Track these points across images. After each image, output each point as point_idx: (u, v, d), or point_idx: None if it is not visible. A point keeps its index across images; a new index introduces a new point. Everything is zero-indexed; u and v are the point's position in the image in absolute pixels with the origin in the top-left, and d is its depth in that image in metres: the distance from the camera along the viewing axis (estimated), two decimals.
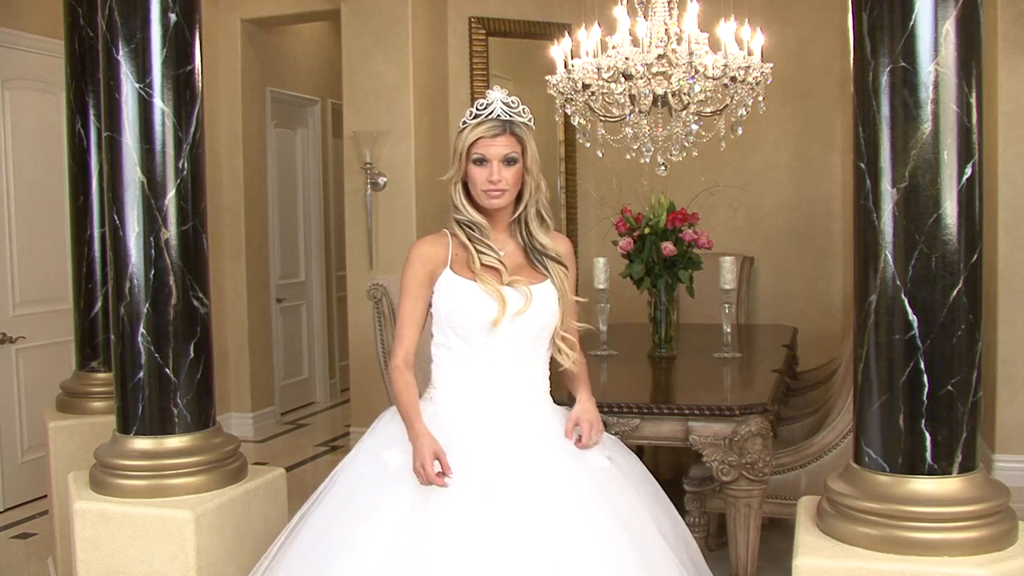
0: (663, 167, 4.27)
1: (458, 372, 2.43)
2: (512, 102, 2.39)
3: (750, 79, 3.99)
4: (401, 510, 2.20)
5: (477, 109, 2.38)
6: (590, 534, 2.18)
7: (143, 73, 2.76)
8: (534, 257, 2.46)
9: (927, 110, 2.08)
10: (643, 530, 2.31)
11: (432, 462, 2.22)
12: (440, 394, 2.46)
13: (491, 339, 2.38)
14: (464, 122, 2.40)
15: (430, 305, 2.44)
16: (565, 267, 2.49)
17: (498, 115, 2.36)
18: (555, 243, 2.50)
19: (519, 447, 2.32)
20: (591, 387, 2.60)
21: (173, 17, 2.78)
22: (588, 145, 4.37)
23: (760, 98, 4.10)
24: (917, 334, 2.11)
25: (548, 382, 2.52)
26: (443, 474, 2.22)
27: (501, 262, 2.39)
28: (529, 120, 2.41)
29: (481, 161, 2.37)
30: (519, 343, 2.40)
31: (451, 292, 2.38)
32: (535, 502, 2.20)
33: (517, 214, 2.46)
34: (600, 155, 4.40)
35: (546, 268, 2.45)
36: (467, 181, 2.41)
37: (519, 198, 2.44)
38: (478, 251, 2.39)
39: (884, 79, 2.11)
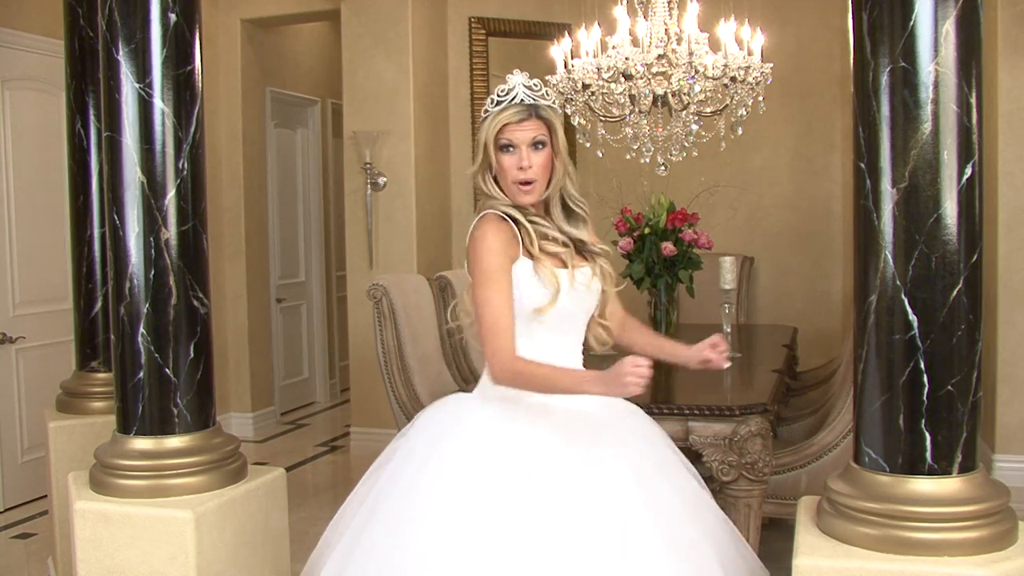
0: (663, 167, 4.27)
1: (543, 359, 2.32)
2: (534, 85, 2.30)
3: (750, 79, 3.99)
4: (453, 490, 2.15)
5: (498, 96, 2.29)
6: (647, 519, 2.17)
7: (143, 73, 2.76)
8: (578, 242, 2.39)
9: (927, 110, 2.08)
10: (709, 507, 2.36)
11: (630, 365, 2.14)
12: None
13: (559, 325, 2.32)
14: (486, 111, 2.31)
15: None
16: (601, 246, 2.44)
17: (522, 99, 2.28)
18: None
19: (587, 433, 2.28)
20: None
21: (173, 17, 2.78)
22: (588, 145, 4.38)
23: (760, 98, 4.10)
24: (917, 334, 2.11)
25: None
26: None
27: (565, 244, 2.31)
28: (553, 103, 2.33)
29: (508, 147, 2.27)
30: (578, 327, 2.39)
31: (535, 279, 2.27)
32: (607, 484, 2.18)
33: (543, 196, 2.34)
34: (600, 155, 4.40)
35: (589, 252, 2.40)
36: (495, 173, 2.31)
37: (549, 183, 2.34)
38: (539, 234, 2.29)
39: (884, 79, 2.11)
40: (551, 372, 2.24)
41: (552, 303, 2.27)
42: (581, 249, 2.38)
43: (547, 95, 2.31)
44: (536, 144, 2.27)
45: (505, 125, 2.26)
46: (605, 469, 2.20)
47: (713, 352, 2.38)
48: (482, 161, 2.31)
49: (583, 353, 2.45)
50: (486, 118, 2.30)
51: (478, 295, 2.27)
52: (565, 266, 2.30)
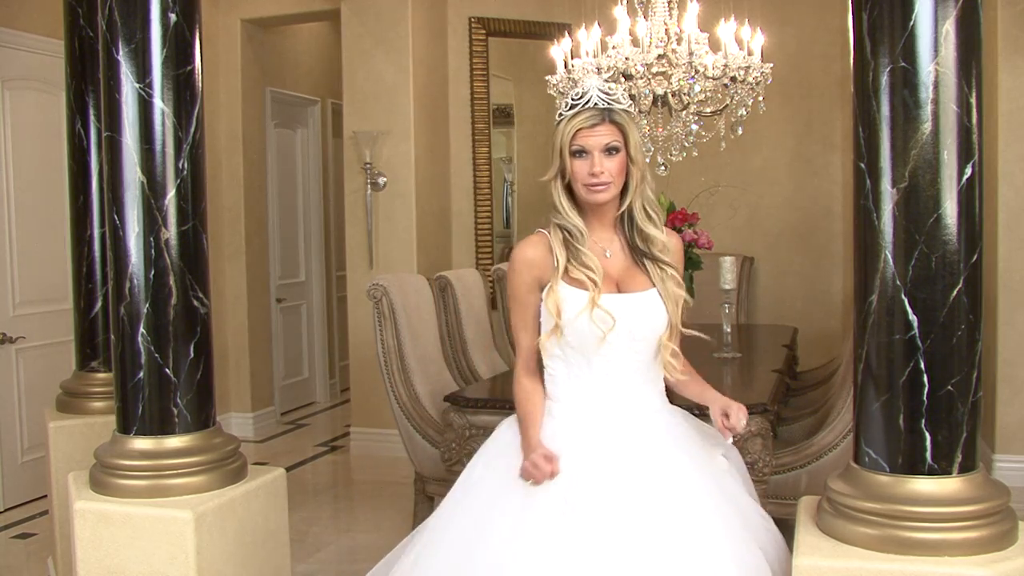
0: (663, 167, 4.27)
1: (574, 385, 2.32)
2: (610, 89, 2.25)
3: (750, 79, 4.00)
4: (546, 526, 2.15)
5: (573, 99, 2.25)
6: (718, 531, 2.16)
7: (143, 73, 2.76)
8: (639, 259, 2.33)
9: (927, 110, 2.08)
10: (758, 527, 2.30)
11: (543, 458, 2.17)
12: (558, 407, 2.35)
13: (605, 351, 2.27)
14: (560, 115, 2.27)
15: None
16: (674, 267, 2.35)
17: (595, 103, 2.23)
18: (668, 238, 2.36)
19: (640, 459, 2.23)
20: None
21: (173, 17, 2.78)
22: None
23: (760, 98, 4.10)
24: (917, 334, 2.11)
25: (664, 389, 2.43)
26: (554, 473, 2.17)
27: (596, 274, 2.25)
28: (629, 106, 2.28)
29: (581, 153, 2.23)
30: (636, 353, 2.30)
31: (559, 301, 2.26)
32: (659, 509, 2.15)
33: (622, 209, 2.30)
34: None
35: (652, 272, 2.32)
36: (569, 178, 2.27)
37: (624, 192, 2.29)
38: (573, 259, 2.26)
39: (884, 79, 2.11)
40: (521, 414, 2.34)
41: (552, 332, 2.27)
42: (643, 266, 2.32)
43: (623, 98, 2.27)
44: (609, 150, 2.23)
45: (578, 130, 2.23)
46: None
47: (725, 422, 2.34)
48: (557, 167, 2.27)
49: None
50: (560, 122, 2.26)
51: (509, 314, 2.38)
52: (595, 288, 2.26)
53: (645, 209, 2.31)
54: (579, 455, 2.24)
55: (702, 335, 2.46)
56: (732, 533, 2.18)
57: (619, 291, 2.30)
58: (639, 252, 2.32)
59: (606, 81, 2.26)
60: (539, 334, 2.33)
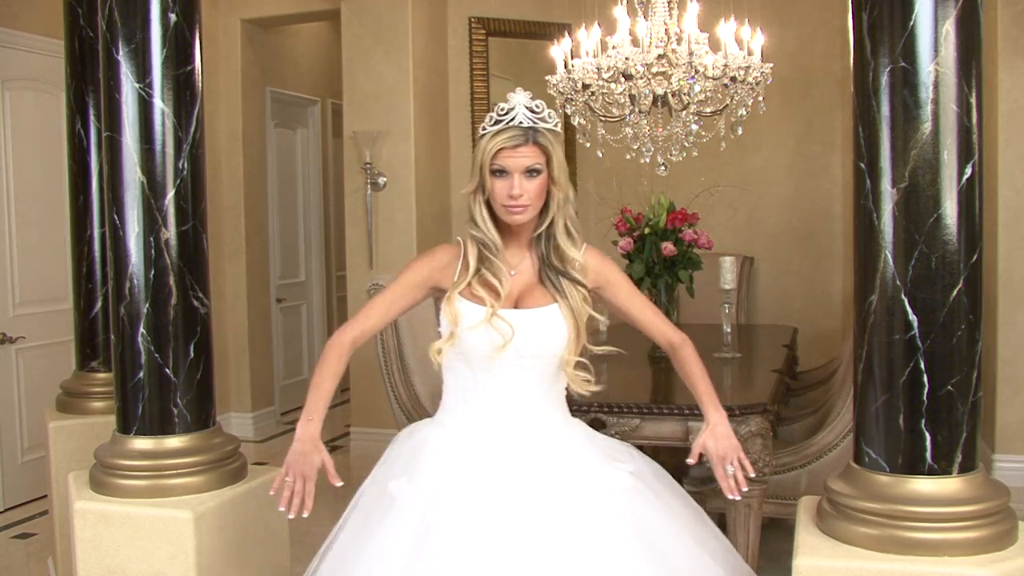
0: (663, 167, 4.27)
1: (465, 397, 2.29)
2: (536, 106, 2.20)
3: (750, 79, 3.99)
4: (404, 547, 2.10)
5: (498, 114, 2.19)
6: (599, 552, 2.09)
7: (143, 73, 2.76)
8: (549, 276, 2.27)
9: (927, 110, 2.08)
10: (671, 546, 2.20)
11: (300, 455, 2.13)
12: (449, 419, 2.32)
13: (495, 365, 2.23)
14: (484, 128, 2.21)
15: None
16: (586, 287, 2.30)
17: (520, 122, 2.17)
18: (585, 257, 2.31)
19: (516, 481, 2.17)
20: (711, 386, 2.42)
21: (173, 17, 2.78)
22: (588, 145, 4.38)
23: (760, 98, 4.10)
24: (917, 334, 2.11)
25: (565, 405, 2.38)
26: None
27: (502, 288, 2.22)
28: (556, 125, 2.23)
29: (501, 173, 2.18)
30: (527, 369, 2.25)
31: (456, 312, 2.23)
32: (542, 534, 2.09)
33: (540, 229, 2.26)
34: (600, 155, 4.40)
35: (560, 288, 2.26)
36: (488, 196, 2.23)
37: (544, 210, 2.24)
38: (483, 273, 2.23)
39: (884, 79, 2.11)
40: (316, 384, 2.25)
41: (447, 340, 2.24)
42: (550, 284, 2.27)
43: (549, 117, 2.21)
44: (531, 171, 2.18)
45: (500, 150, 2.17)
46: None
47: (725, 479, 2.28)
48: (476, 182, 2.24)
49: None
50: (483, 136, 2.21)
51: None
52: (489, 302, 2.21)
53: (567, 228, 2.27)
54: (450, 472, 2.19)
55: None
56: (623, 553, 2.10)
57: (516, 307, 2.25)
58: (554, 270, 2.27)
59: (529, 99, 2.19)
60: (383, 323, 2.32)
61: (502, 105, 2.20)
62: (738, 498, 2.29)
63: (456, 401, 2.32)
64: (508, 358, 2.23)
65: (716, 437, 2.30)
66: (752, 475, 2.32)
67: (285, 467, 2.15)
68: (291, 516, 2.13)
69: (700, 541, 2.29)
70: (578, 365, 2.29)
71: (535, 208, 2.22)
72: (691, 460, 2.32)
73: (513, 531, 2.08)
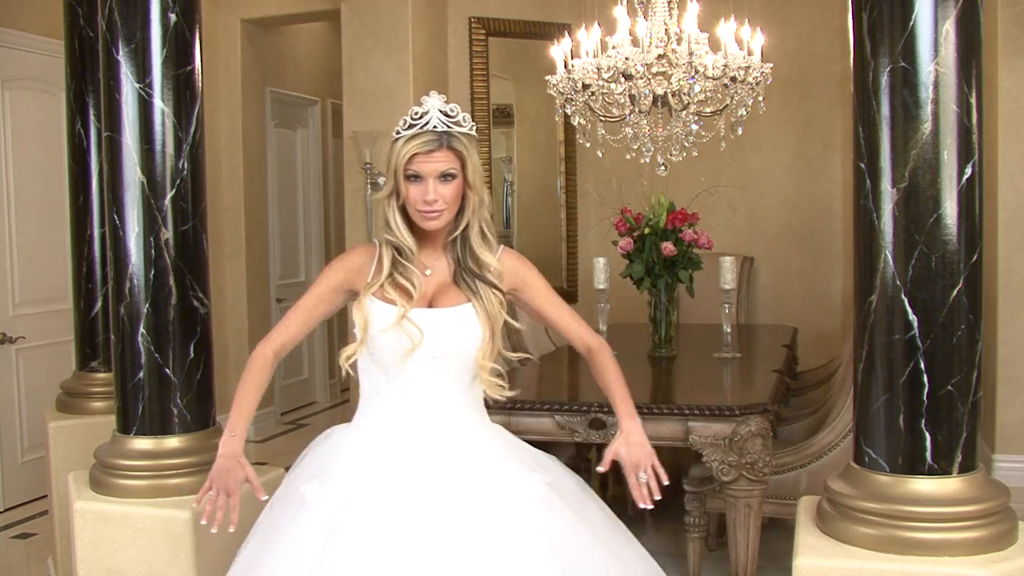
0: (663, 167, 4.27)
1: (379, 400, 2.26)
2: (451, 110, 2.15)
3: (750, 79, 4.00)
4: (312, 549, 2.08)
5: (412, 118, 2.15)
6: (510, 563, 2.05)
7: (143, 73, 2.76)
8: (464, 278, 2.24)
9: (927, 110, 2.08)
10: (584, 557, 2.17)
11: (222, 471, 2.11)
12: (364, 421, 2.28)
13: (409, 367, 2.20)
14: (397, 132, 2.17)
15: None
16: (501, 291, 2.26)
17: (434, 126, 2.13)
18: (502, 259, 2.28)
19: (425, 485, 2.14)
20: (628, 393, 2.36)
21: (173, 17, 2.78)
22: (588, 145, 4.38)
23: (760, 98, 4.10)
24: (917, 334, 2.11)
25: (483, 409, 2.33)
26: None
27: (415, 290, 2.19)
28: (471, 129, 2.18)
29: (416, 178, 2.14)
30: (440, 370, 2.21)
31: (367, 315, 2.19)
32: (450, 537, 2.05)
33: (456, 233, 2.23)
34: (600, 155, 4.40)
35: (476, 290, 2.23)
36: (403, 201, 2.19)
37: (459, 214, 2.21)
38: (395, 275, 2.19)
39: (884, 79, 2.11)
40: (239, 398, 2.26)
41: (359, 345, 2.21)
42: (466, 285, 2.24)
43: (464, 120, 2.18)
44: (445, 176, 2.15)
45: (414, 155, 2.13)
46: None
47: (637, 487, 2.26)
48: (391, 187, 2.19)
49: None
50: (397, 140, 2.17)
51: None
52: (408, 301, 2.18)
53: (481, 231, 2.24)
54: (361, 475, 2.16)
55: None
56: (531, 560, 2.07)
57: (430, 307, 2.23)
58: (469, 272, 2.24)
59: (447, 105, 2.16)
60: (304, 330, 2.30)
61: (415, 109, 2.16)
62: (650, 506, 2.26)
63: (370, 404, 2.28)
64: (421, 359, 2.19)
65: (629, 444, 2.29)
66: (666, 482, 2.28)
67: (209, 481, 2.14)
68: (213, 530, 2.11)
69: (617, 555, 2.27)
70: (492, 370, 2.25)
71: (450, 213, 2.19)
72: (602, 468, 2.31)
73: (421, 534, 2.06)
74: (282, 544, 2.12)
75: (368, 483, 2.15)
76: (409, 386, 2.22)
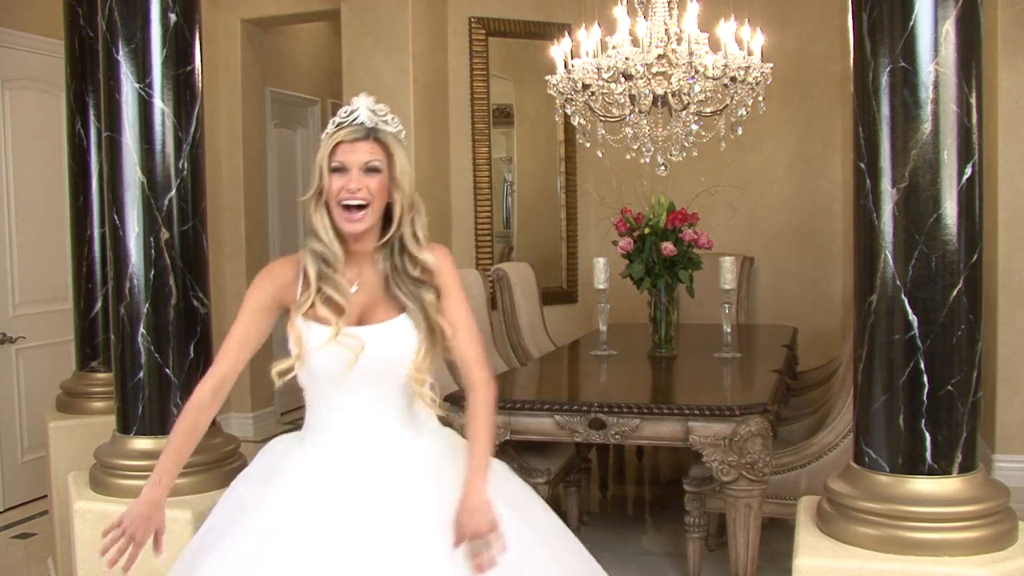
0: (663, 167, 4.27)
1: (320, 414, 2.21)
2: (379, 109, 2.13)
3: (750, 79, 4.00)
4: (245, 554, 2.07)
5: (341, 116, 2.12)
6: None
7: (143, 73, 2.76)
8: (399, 284, 2.15)
9: (927, 110, 2.08)
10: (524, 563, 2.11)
11: (136, 518, 2.06)
12: (308, 433, 2.24)
13: (345, 384, 2.15)
14: (326, 132, 2.13)
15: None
16: (438, 290, 2.17)
17: (362, 121, 2.10)
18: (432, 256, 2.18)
19: (360, 501, 2.09)
20: (488, 448, 2.14)
21: (173, 17, 2.78)
22: (588, 145, 4.38)
23: (760, 98, 4.11)
24: (917, 334, 2.11)
25: (427, 420, 2.26)
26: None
27: (345, 304, 2.11)
28: (398, 131, 2.15)
29: (340, 170, 2.07)
30: (375, 386, 2.16)
31: (300, 335, 2.14)
32: (360, 554, 2.01)
33: (386, 238, 2.13)
34: (600, 155, 4.40)
35: (413, 295, 2.15)
36: (327, 198, 2.09)
37: (388, 219, 2.13)
38: (324, 290, 2.11)
39: (884, 79, 2.11)
40: (169, 443, 2.17)
41: (295, 362, 2.14)
42: (401, 295, 2.15)
43: (393, 121, 2.15)
44: (370, 168, 2.09)
45: (339, 144, 2.08)
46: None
47: (473, 558, 2.02)
48: (316, 186, 2.10)
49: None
50: (324, 138, 2.12)
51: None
52: (334, 321, 2.10)
53: (415, 235, 2.15)
54: (301, 485, 2.14)
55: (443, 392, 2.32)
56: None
57: (359, 324, 2.15)
58: (406, 276, 2.15)
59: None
60: (242, 359, 2.20)
61: (345, 108, 2.13)
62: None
63: (314, 417, 2.25)
64: (356, 376, 2.15)
65: (470, 511, 2.03)
66: (500, 558, 2.00)
67: (120, 519, 2.07)
68: (109, 568, 2.05)
69: (562, 563, 2.22)
70: (426, 382, 2.17)
71: (375, 212, 2.10)
72: (454, 546, 2.05)
73: (353, 544, 2.03)
74: (221, 545, 2.13)
75: (307, 493, 2.12)
76: (344, 402, 2.18)
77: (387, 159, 2.12)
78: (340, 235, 2.13)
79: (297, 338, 2.15)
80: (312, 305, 2.12)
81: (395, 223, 2.14)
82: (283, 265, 2.21)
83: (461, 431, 3.58)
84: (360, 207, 2.08)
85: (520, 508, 2.24)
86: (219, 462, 2.87)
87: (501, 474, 2.30)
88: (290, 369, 2.18)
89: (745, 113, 4.08)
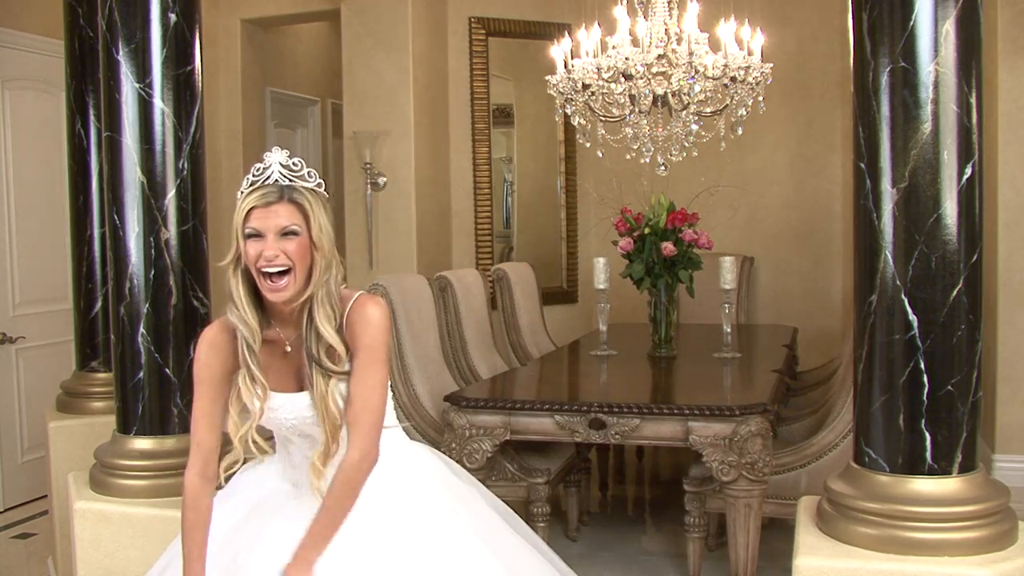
0: (663, 167, 4.27)
1: (279, 449, 2.23)
2: (294, 164, 2.02)
3: (750, 79, 4.00)
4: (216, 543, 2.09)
5: (253, 175, 2.01)
6: None
7: (143, 73, 2.76)
8: (306, 365, 2.06)
9: (927, 110, 2.08)
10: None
11: None
12: (268, 458, 2.25)
13: (296, 440, 2.15)
14: (240, 191, 2.02)
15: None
16: (345, 374, 2.06)
17: (276, 180, 1.99)
18: (351, 312, 2.06)
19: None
20: (330, 522, 2.02)
21: (173, 17, 2.78)
22: (588, 145, 4.38)
23: (760, 98, 4.11)
24: (917, 334, 2.11)
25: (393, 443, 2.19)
26: None
27: (260, 392, 2.06)
28: (317, 185, 2.03)
29: (255, 236, 1.98)
30: (313, 437, 2.12)
31: (245, 402, 2.10)
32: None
33: (303, 297, 2.03)
34: (600, 155, 4.40)
35: (312, 379, 2.05)
36: (246, 263, 2.01)
37: (308, 283, 2.02)
38: (251, 367, 2.05)
39: (884, 79, 2.11)
40: (184, 538, 2.12)
41: (253, 424, 2.09)
42: (310, 371, 2.06)
43: (310, 176, 2.03)
44: (287, 233, 1.98)
45: (252, 209, 1.98)
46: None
47: None
48: (234, 251, 2.01)
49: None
50: (239, 200, 2.02)
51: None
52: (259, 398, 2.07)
53: (326, 304, 2.03)
54: (253, 512, 2.17)
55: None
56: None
57: (301, 388, 2.10)
58: (309, 357, 2.05)
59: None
60: (218, 433, 2.14)
61: (258, 165, 2.02)
62: None
63: (277, 448, 2.24)
64: (304, 438, 2.14)
65: None
66: None
67: None
68: None
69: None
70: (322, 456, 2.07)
71: (299, 276, 2.00)
72: None
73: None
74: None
75: (259, 534, 2.13)
76: (296, 446, 2.17)
77: (304, 220, 2.00)
78: (264, 300, 2.06)
79: (248, 402, 2.11)
80: (247, 379, 2.07)
81: (312, 285, 2.02)
82: (216, 332, 2.13)
83: (460, 431, 3.58)
84: (281, 273, 1.99)
85: (483, 522, 2.24)
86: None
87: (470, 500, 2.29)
88: (238, 460, 2.16)
89: (745, 113, 4.08)
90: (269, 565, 2.02)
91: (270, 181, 2.00)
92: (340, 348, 2.04)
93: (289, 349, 2.11)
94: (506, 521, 2.38)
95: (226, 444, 2.16)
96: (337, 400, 2.06)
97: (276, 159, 2.02)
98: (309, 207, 2.00)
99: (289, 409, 2.09)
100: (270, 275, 1.99)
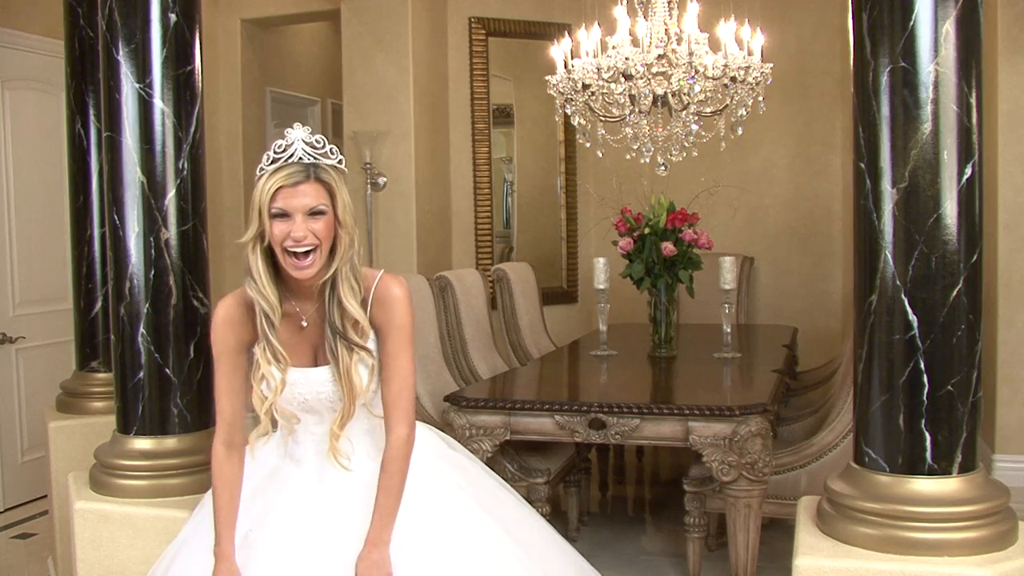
0: (663, 167, 4.27)
1: (299, 437, 2.22)
2: (316, 141, 2.02)
3: (750, 79, 4.00)
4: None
5: (275, 152, 2.00)
6: None
7: (143, 73, 2.76)
8: (328, 339, 2.08)
9: (927, 110, 2.08)
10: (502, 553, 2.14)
11: None
12: (292, 449, 2.24)
13: (307, 419, 2.17)
14: (261, 168, 2.00)
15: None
16: (367, 349, 2.11)
17: (300, 158, 1.99)
18: (377, 288, 2.13)
19: (338, 510, 2.11)
20: (392, 502, 2.07)
21: (173, 17, 2.78)
22: (588, 145, 4.38)
23: (760, 98, 4.11)
24: (917, 334, 2.11)
25: (377, 433, 2.19)
26: None
27: (281, 365, 2.08)
28: (339, 162, 2.04)
29: (282, 215, 1.98)
30: (328, 415, 2.14)
31: (262, 377, 2.12)
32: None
33: (326, 277, 2.05)
34: (600, 155, 4.40)
35: (336, 352, 2.08)
36: (269, 241, 2.01)
37: (331, 258, 2.05)
38: (270, 340, 2.07)
39: (884, 79, 2.11)
40: (216, 507, 2.14)
41: (274, 397, 2.11)
42: (331, 344, 2.09)
43: (332, 152, 2.03)
44: (314, 213, 1.99)
45: (279, 188, 1.97)
46: None
47: None
48: (256, 229, 2.01)
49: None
50: (260, 177, 2.00)
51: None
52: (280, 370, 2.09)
53: (350, 279, 2.07)
54: (265, 500, 2.17)
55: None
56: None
57: (315, 363, 2.12)
58: (333, 330, 2.07)
59: (319, 144, 2.03)
60: (247, 397, 2.14)
61: (279, 142, 2.01)
62: None
63: (294, 436, 2.24)
64: (314, 415, 2.16)
65: (367, 564, 2.02)
66: None
67: None
68: None
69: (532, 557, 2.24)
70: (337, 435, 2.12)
71: (323, 253, 2.02)
72: None
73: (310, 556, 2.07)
74: (195, 540, 2.20)
75: (267, 511, 2.15)
76: (306, 425, 2.18)
77: (331, 199, 2.02)
78: (281, 275, 2.08)
79: (260, 380, 2.12)
80: (266, 351, 2.09)
81: (335, 263, 2.05)
82: (231, 306, 2.14)
83: (460, 431, 3.58)
84: (307, 252, 2.01)
85: (485, 501, 2.26)
86: None
87: (472, 477, 2.33)
88: (267, 431, 2.20)
89: (745, 113, 4.08)
90: (279, 541, 2.07)
91: (294, 159, 2.00)
92: (365, 322, 2.09)
93: (305, 324, 2.13)
94: (509, 492, 2.45)
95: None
96: (361, 373, 2.10)
97: (298, 135, 2.02)
98: (335, 185, 2.02)
99: (304, 384, 2.11)
100: (296, 254, 2.00)
